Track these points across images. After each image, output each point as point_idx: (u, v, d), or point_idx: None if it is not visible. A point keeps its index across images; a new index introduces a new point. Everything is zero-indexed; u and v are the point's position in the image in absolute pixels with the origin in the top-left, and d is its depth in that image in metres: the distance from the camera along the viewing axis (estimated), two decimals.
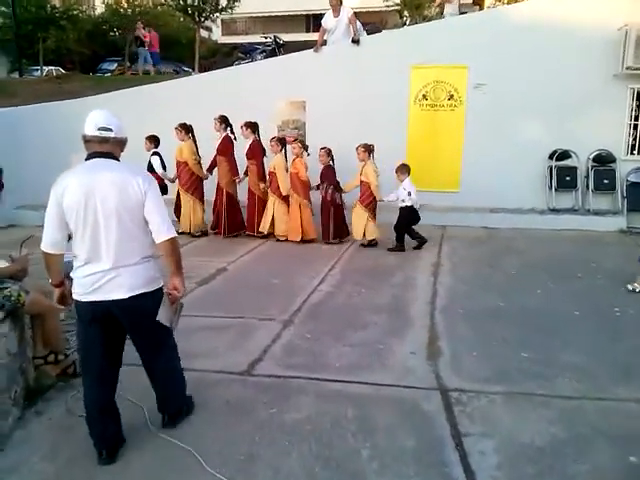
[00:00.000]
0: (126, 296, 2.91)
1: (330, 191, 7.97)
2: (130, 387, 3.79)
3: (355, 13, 10.16)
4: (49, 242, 2.89)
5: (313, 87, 9.81)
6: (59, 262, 2.99)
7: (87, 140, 2.95)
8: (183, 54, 26.01)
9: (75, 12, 23.71)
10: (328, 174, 8.01)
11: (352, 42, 9.77)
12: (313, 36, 10.60)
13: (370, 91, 9.59)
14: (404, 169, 7.67)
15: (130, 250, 2.92)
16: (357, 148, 7.73)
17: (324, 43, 10.17)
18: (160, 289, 3.07)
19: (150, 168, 8.05)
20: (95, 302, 2.91)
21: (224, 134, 8.45)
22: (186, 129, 8.51)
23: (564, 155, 9.41)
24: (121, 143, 3.04)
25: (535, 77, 9.17)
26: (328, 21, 10.07)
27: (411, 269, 6.73)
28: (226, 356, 4.35)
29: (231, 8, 23.57)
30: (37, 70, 20.73)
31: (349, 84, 9.70)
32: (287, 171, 8.16)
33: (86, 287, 2.91)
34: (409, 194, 7.56)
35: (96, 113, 2.97)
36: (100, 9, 33.23)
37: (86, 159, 2.96)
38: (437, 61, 9.39)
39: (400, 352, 4.41)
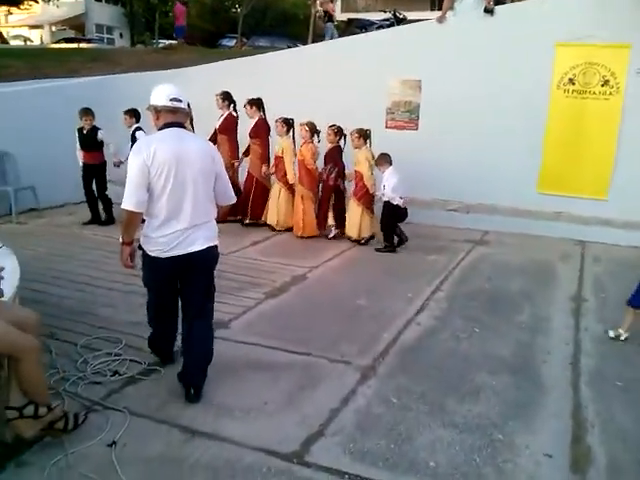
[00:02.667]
0: (203, 247, 3.21)
1: (334, 175, 6.92)
2: None
3: None
4: (135, 202, 3.04)
5: (432, 64, 8.26)
6: (139, 221, 3.18)
7: (159, 110, 3.16)
8: (299, 31, 25.10)
9: None
10: (334, 155, 6.94)
11: (485, 12, 8.07)
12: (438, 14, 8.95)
13: (502, 71, 7.89)
14: (383, 159, 6.61)
15: (205, 210, 3.23)
16: (351, 134, 6.77)
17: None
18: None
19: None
20: (175, 257, 3.16)
21: (227, 112, 7.60)
22: None
23: None
24: (188, 115, 3.43)
25: None
26: None
27: (543, 302, 5.12)
28: (274, 421, 3.11)
29: None
30: (158, 43, 20.72)
31: (476, 62, 8.05)
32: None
33: (167, 245, 3.14)
34: (383, 187, 6.55)
35: (165, 86, 3.19)
36: None
37: (161, 128, 3.15)
38: (590, 38, 7.48)
39: (528, 451, 2.93)
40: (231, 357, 3.84)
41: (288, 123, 7.14)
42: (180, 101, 3.14)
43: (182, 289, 3.35)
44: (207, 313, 3.40)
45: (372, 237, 6.90)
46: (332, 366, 3.77)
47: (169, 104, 3.11)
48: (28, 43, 27.94)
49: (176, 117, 3.15)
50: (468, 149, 8.03)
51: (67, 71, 11.51)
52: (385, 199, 6.54)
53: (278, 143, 7.26)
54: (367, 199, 6.79)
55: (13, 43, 26.52)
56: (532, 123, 7.81)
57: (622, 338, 4.27)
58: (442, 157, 8.14)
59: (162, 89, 3.16)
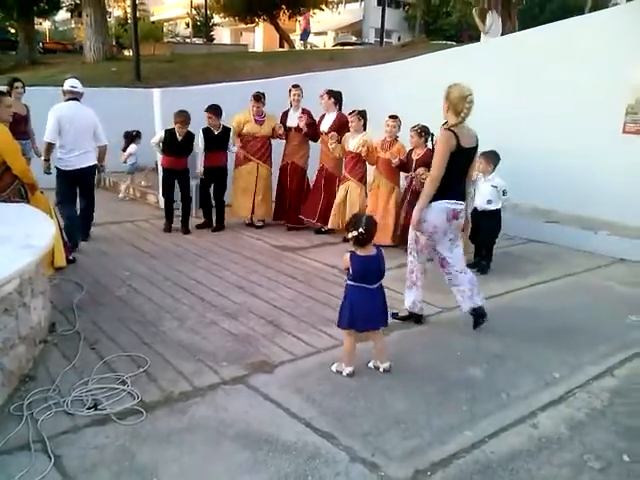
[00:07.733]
0: (91, 164, 5.86)
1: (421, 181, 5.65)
2: None
3: None
4: (52, 137, 5.62)
5: None
6: (53, 149, 5.72)
7: (65, 92, 5.78)
8: None
9: None
10: (427, 161, 5.49)
11: None
12: None
13: None
14: (496, 158, 5.42)
15: (90, 144, 5.82)
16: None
17: None
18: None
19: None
20: (77, 169, 5.71)
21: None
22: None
23: None
24: (82, 94, 5.89)
25: None
26: None
27: None
28: None
29: None
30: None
31: None
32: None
33: (72, 162, 5.68)
34: (504, 193, 5.44)
35: (69, 79, 5.89)
36: None
37: (66, 100, 5.74)
38: None
39: None
40: (232, 419, 2.93)
41: (365, 117, 6.42)
42: (75, 87, 5.77)
43: (80, 193, 5.94)
44: (92, 204, 6.15)
45: None
46: (348, 466, 2.57)
47: (69, 88, 5.76)
48: (313, 48, 30.31)
49: (73, 95, 5.78)
50: None
51: (300, 69, 11.81)
52: (496, 207, 5.48)
53: (360, 139, 6.33)
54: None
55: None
56: None
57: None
58: None
59: (68, 81, 5.81)
